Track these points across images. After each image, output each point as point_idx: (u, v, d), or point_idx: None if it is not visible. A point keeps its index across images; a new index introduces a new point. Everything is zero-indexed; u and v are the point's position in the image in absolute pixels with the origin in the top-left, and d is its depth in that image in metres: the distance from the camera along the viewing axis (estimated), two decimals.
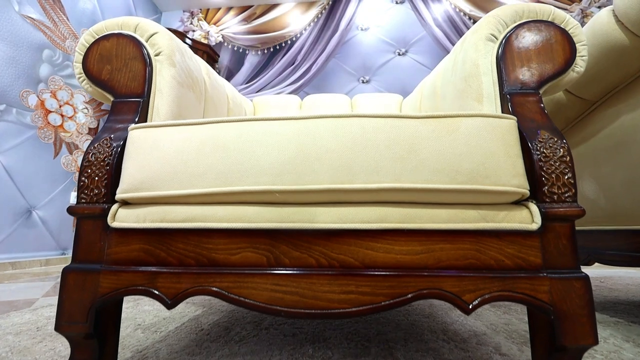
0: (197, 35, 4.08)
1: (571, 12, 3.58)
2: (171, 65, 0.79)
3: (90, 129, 3.04)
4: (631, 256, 0.94)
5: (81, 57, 0.79)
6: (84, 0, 3.14)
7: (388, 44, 3.80)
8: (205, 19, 4.19)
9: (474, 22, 3.69)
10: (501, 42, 0.73)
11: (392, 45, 3.79)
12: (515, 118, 0.62)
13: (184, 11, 4.24)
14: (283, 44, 3.97)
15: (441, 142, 0.58)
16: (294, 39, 3.95)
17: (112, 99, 0.76)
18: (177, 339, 0.90)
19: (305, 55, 3.85)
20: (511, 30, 0.73)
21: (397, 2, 3.92)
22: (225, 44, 4.08)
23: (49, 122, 2.70)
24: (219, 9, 4.19)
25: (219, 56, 3.98)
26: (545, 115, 0.65)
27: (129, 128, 0.67)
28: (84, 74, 0.77)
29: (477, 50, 0.74)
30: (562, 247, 0.57)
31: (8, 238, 2.38)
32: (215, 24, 4.16)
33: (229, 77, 3.99)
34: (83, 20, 3.11)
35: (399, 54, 3.77)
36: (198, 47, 3.63)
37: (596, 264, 2.12)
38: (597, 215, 1.08)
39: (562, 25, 0.73)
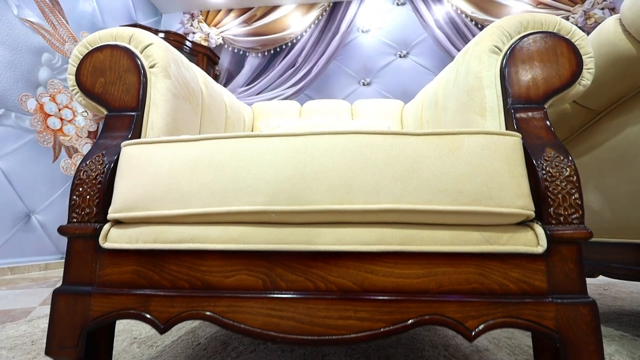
0: (197, 37, 4.06)
1: (574, 14, 3.55)
2: (166, 77, 0.77)
3: (89, 132, 3.03)
4: (637, 270, 0.91)
5: (74, 69, 0.77)
6: (84, 3, 3.13)
7: (389, 46, 3.78)
8: (205, 21, 4.18)
9: (476, 23, 3.66)
10: (505, 54, 0.71)
11: (393, 47, 3.77)
12: (520, 135, 0.60)
13: (184, 13, 4.23)
14: (283, 46, 3.95)
15: (443, 161, 0.56)
16: (294, 41, 3.93)
17: (105, 112, 0.74)
18: (174, 354, 0.89)
19: (305, 58, 3.83)
20: (515, 42, 0.71)
21: (398, 4, 3.89)
22: (226, 46, 4.06)
23: (48, 126, 2.69)
24: (219, 10, 4.17)
25: (219, 58, 3.96)
26: (551, 132, 0.63)
27: (122, 144, 0.65)
28: (77, 87, 0.76)
29: (480, 63, 0.72)
30: (568, 271, 0.55)
31: (7, 243, 2.37)
32: (215, 25, 4.14)
33: (229, 79, 3.98)
34: (82, 23, 3.09)
35: (400, 56, 3.75)
36: (198, 50, 3.62)
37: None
38: (601, 226, 1.05)
39: (568, 37, 0.70)
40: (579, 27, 3.53)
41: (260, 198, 0.57)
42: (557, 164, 0.58)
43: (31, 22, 2.59)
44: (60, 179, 2.76)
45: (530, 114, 0.65)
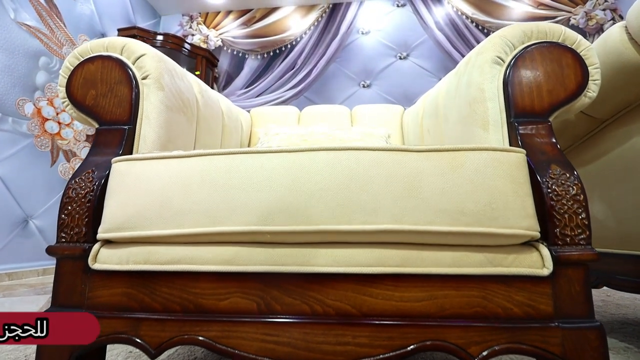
0: (197, 40, 4.04)
1: (575, 15, 3.53)
2: (159, 89, 0.75)
3: (87, 135, 3.01)
4: None
5: (65, 81, 0.75)
6: (82, 6, 3.11)
7: (389, 48, 3.75)
8: (204, 23, 4.15)
9: (477, 25, 3.64)
10: (508, 65, 0.68)
11: (393, 49, 3.74)
12: (524, 152, 0.57)
13: (183, 15, 4.21)
14: (283, 48, 3.93)
15: (444, 180, 0.54)
16: (293, 42, 3.90)
17: (96, 126, 0.72)
18: None
19: (305, 60, 3.81)
20: (519, 52, 0.69)
21: (398, 5, 3.87)
22: (225, 48, 4.04)
23: (45, 130, 2.67)
24: (219, 12, 4.15)
25: (218, 61, 3.94)
26: (556, 147, 0.61)
27: (112, 161, 0.63)
28: (67, 99, 0.74)
29: (483, 74, 0.69)
30: (575, 294, 0.52)
31: (4, 249, 2.35)
32: (214, 27, 4.12)
33: (228, 81, 3.96)
34: (80, 26, 3.07)
35: (400, 58, 3.72)
36: (197, 52, 3.60)
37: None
38: (606, 236, 1.03)
39: (573, 47, 0.68)
40: (581, 29, 3.51)
41: (255, 218, 0.55)
42: (563, 181, 0.56)
43: (28, 25, 2.57)
44: (58, 183, 2.74)
45: (534, 127, 0.63)
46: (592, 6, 3.51)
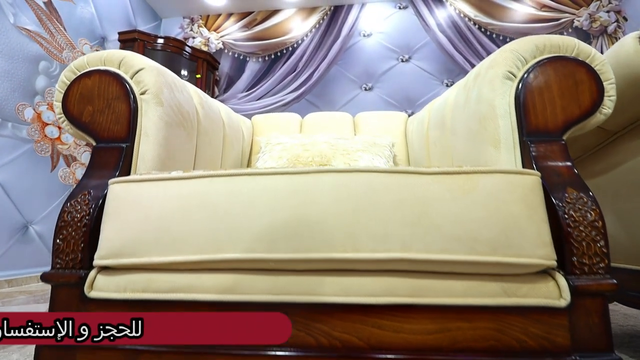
0: (197, 42, 4.02)
1: (579, 17, 3.49)
2: (158, 104, 0.73)
3: None
4: None
5: (61, 96, 0.73)
6: (82, 9, 3.09)
7: (391, 50, 3.72)
8: (205, 26, 4.13)
9: (479, 27, 3.61)
10: (520, 80, 0.66)
11: (395, 51, 3.72)
12: (539, 174, 0.55)
13: (184, 17, 4.19)
14: (284, 51, 3.91)
15: (457, 205, 0.52)
16: (295, 45, 3.88)
17: (93, 143, 0.70)
18: None
19: (306, 62, 3.78)
20: (531, 67, 0.66)
21: (400, 8, 3.84)
22: (226, 50, 4.02)
23: (45, 135, 2.65)
24: (220, 15, 4.13)
25: (219, 63, 3.92)
26: (572, 169, 0.58)
27: (109, 182, 0.60)
28: (64, 115, 0.71)
29: (494, 90, 0.67)
30: (593, 326, 0.50)
31: (4, 255, 2.34)
32: (215, 30, 4.10)
33: (229, 84, 3.93)
34: (81, 30, 3.05)
35: (402, 61, 3.70)
36: (198, 55, 3.57)
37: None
38: (617, 251, 1.00)
39: (587, 61, 0.66)
40: (584, 31, 3.47)
41: (258, 244, 0.53)
42: (580, 206, 0.53)
43: (28, 30, 2.55)
44: (58, 188, 2.72)
45: (548, 147, 0.60)
46: (595, 8, 3.47)
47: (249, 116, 3.74)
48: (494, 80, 0.67)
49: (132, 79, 0.73)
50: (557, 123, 0.62)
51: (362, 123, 1.50)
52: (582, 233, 0.52)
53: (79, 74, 0.73)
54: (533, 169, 0.58)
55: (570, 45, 0.66)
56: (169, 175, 0.58)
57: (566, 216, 0.53)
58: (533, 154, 0.60)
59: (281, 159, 1.18)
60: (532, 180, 0.54)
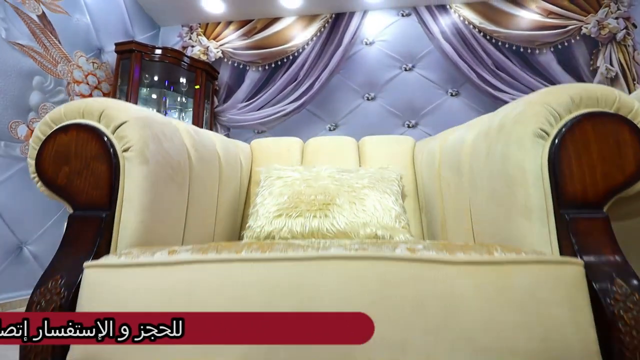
0: (197, 51, 3.95)
1: (587, 23, 3.41)
2: (143, 162, 0.65)
3: None
4: None
5: (35, 153, 0.65)
6: (77, 21, 3.02)
7: (394, 59, 3.64)
8: (204, 34, 4.06)
9: (484, 35, 3.52)
10: (554, 140, 0.57)
11: (398, 60, 3.63)
12: (582, 263, 0.47)
13: (182, 26, 4.12)
14: (285, 60, 3.83)
15: (489, 305, 0.44)
16: (295, 54, 3.80)
17: (70, 210, 0.62)
18: None
19: (307, 71, 3.70)
20: (566, 124, 0.58)
21: (402, 15, 3.76)
22: (225, 59, 3.95)
23: None
24: (219, 23, 4.05)
25: (218, 73, 3.84)
26: (619, 251, 0.50)
27: (84, 265, 0.53)
28: (37, 176, 0.64)
29: (523, 149, 0.59)
30: None
31: None
32: (214, 39, 4.02)
33: (229, 94, 3.86)
34: (76, 42, 2.98)
35: (406, 69, 3.61)
36: (196, 66, 3.50)
37: None
38: None
39: (629, 118, 0.57)
40: (592, 38, 3.38)
41: (253, 350, 0.45)
42: (631, 305, 0.45)
43: (21, 45, 2.48)
44: (53, 206, 2.65)
45: (589, 224, 0.52)
46: (604, 15, 3.38)
47: (250, 127, 3.64)
48: (524, 138, 0.59)
49: (113, 134, 0.65)
50: (597, 192, 0.54)
51: (367, 150, 1.42)
52: (635, 340, 0.44)
53: (55, 127, 0.65)
54: (574, 254, 0.50)
55: (610, 97, 0.58)
56: (151, 260, 0.51)
57: (615, 317, 0.45)
58: (572, 233, 0.51)
59: (282, 196, 1.10)
60: (575, 271, 0.46)
